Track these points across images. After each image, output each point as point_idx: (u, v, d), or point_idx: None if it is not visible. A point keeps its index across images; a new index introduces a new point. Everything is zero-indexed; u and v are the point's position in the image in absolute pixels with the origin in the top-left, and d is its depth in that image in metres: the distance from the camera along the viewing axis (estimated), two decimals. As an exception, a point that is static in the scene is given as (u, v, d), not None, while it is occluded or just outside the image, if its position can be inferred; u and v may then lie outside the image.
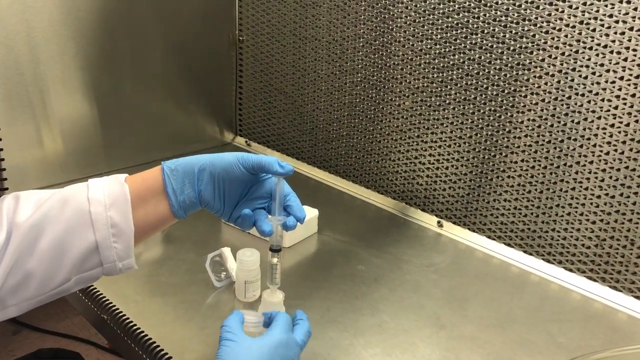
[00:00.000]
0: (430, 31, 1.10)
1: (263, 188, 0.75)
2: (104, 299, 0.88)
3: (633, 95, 0.88)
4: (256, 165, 0.72)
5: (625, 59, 0.88)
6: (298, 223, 0.75)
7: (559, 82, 0.96)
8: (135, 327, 0.82)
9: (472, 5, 1.02)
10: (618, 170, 0.92)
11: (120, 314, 0.85)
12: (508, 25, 0.99)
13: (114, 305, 0.87)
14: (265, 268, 0.86)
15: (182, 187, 0.71)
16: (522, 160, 1.03)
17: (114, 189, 0.69)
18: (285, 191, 0.75)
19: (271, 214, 0.75)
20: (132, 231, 0.69)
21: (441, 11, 1.07)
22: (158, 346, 0.79)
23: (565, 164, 0.98)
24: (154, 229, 0.72)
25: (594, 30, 0.90)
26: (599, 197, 0.95)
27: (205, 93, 1.50)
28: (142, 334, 0.81)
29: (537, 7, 0.95)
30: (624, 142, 0.91)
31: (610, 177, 0.93)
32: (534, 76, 0.98)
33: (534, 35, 0.96)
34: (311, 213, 1.11)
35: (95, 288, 0.91)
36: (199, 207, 0.73)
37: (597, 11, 0.89)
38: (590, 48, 0.91)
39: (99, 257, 0.68)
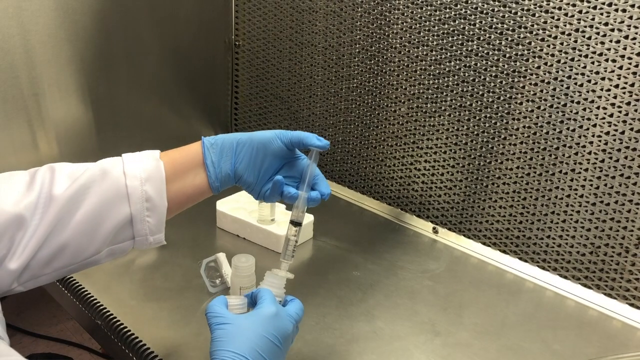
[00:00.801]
0: (426, 38, 1.10)
1: (294, 167, 0.77)
2: (98, 304, 0.88)
3: (628, 104, 0.89)
4: (294, 139, 0.75)
5: (621, 67, 0.88)
6: (322, 198, 0.77)
7: (554, 89, 0.96)
8: (129, 333, 0.82)
9: (469, 12, 1.03)
10: (613, 177, 0.92)
11: (114, 319, 0.85)
12: (504, 33, 0.99)
13: (108, 310, 0.87)
14: (261, 274, 0.85)
15: (219, 159, 0.74)
16: (518, 167, 1.03)
17: (149, 164, 0.71)
18: (314, 172, 0.77)
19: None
20: (165, 207, 0.71)
21: (437, 18, 1.07)
22: (152, 352, 0.79)
23: (560, 171, 0.98)
24: (189, 202, 0.75)
25: (589, 38, 0.90)
26: (594, 204, 0.96)
27: (200, 97, 1.49)
28: (136, 340, 0.81)
29: (533, 15, 0.95)
30: (619, 150, 0.91)
31: (605, 185, 0.94)
32: (530, 83, 0.98)
33: (529, 43, 0.97)
34: (307, 219, 1.10)
35: (89, 292, 0.90)
36: (233, 183, 0.76)
37: (593, 19, 0.89)
38: (586, 56, 0.91)
39: (131, 230, 0.70)
